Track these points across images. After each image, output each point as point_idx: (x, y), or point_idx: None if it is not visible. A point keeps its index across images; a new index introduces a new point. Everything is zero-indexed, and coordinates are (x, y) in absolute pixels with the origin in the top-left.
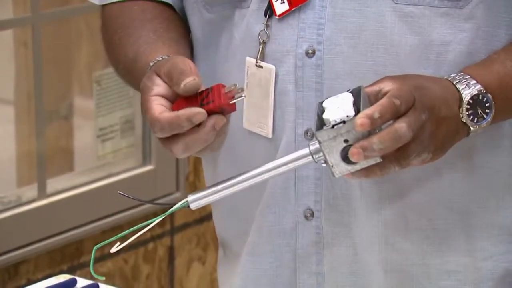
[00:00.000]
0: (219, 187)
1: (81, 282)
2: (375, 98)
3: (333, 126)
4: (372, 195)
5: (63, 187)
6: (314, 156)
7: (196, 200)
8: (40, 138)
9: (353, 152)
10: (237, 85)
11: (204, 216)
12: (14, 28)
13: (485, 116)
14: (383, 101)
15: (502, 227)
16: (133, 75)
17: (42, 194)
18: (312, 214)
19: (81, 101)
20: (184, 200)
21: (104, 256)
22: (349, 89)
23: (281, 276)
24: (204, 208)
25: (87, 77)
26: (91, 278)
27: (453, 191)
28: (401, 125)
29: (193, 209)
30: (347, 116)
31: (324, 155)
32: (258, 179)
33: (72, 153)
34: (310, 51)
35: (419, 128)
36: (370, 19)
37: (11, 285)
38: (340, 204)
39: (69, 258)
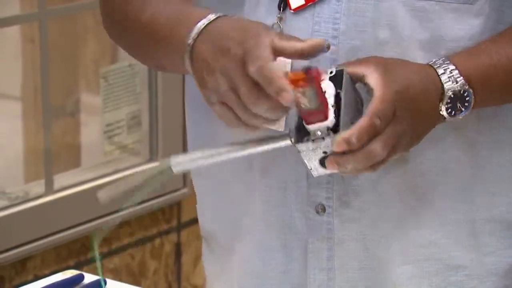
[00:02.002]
0: (203, 154)
1: (88, 277)
2: (357, 79)
3: (313, 140)
4: (383, 190)
5: (70, 183)
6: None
7: (178, 164)
8: (47, 134)
9: (328, 162)
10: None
11: None
12: (21, 24)
13: (462, 110)
14: (364, 122)
15: (505, 222)
16: (175, 27)
17: (49, 190)
18: (324, 210)
19: (88, 97)
20: (166, 161)
21: (111, 252)
22: (332, 72)
23: (291, 271)
24: None
25: (94, 73)
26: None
27: (460, 186)
28: (376, 146)
29: (175, 172)
30: (328, 128)
31: (303, 160)
32: (243, 152)
33: (79, 149)
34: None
35: (396, 140)
36: (383, 13)
37: (18, 281)
38: (352, 200)
39: (76, 253)
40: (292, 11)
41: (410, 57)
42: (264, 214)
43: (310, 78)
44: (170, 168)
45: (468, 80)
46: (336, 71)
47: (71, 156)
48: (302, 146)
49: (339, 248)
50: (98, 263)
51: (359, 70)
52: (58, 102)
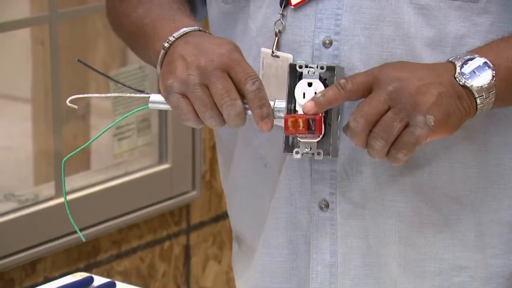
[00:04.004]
0: None
1: (98, 280)
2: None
3: (302, 154)
4: (387, 188)
5: (80, 186)
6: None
7: (154, 103)
8: (57, 137)
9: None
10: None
11: (220, 215)
12: (31, 26)
13: (486, 76)
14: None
15: None
16: (155, 31)
17: (59, 192)
18: (327, 206)
19: (98, 99)
20: (147, 95)
21: (120, 255)
22: (323, 67)
23: (297, 268)
24: (220, 207)
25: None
26: (108, 276)
27: (466, 187)
28: (388, 115)
29: (150, 107)
30: (317, 142)
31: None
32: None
33: (89, 152)
34: (327, 42)
35: (389, 99)
36: (387, 10)
37: (28, 283)
38: (355, 196)
39: (86, 256)
40: (292, 7)
41: (416, 54)
42: (273, 211)
43: (311, 129)
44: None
45: (488, 59)
46: (327, 66)
47: (81, 158)
48: (289, 155)
49: (342, 244)
50: (63, 187)
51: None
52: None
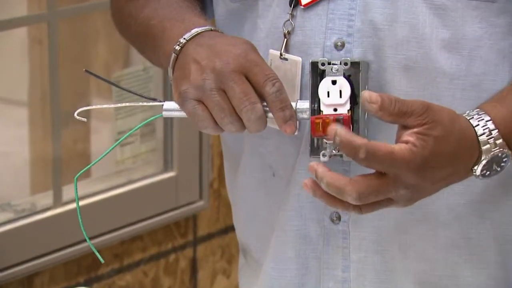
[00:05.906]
0: None
1: None
2: (400, 116)
3: (330, 156)
4: None
5: (80, 195)
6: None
7: (169, 110)
8: (55, 142)
9: (310, 166)
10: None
11: (229, 226)
12: (29, 25)
13: (498, 170)
14: (354, 142)
15: None
16: (164, 31)
17: (58, 202)
18: (339, 218)
19: (99, 102)
20: (161, 103)
21: (122, 269)
22: (347, 63)
23: (307, 284)
24: (229, 218)
25: (106, 77)
26: None
27: (487, 200)
28: (350, 191)
29: (164, 115)
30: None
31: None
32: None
33: (89, 158)
34: (339, 44)
35: (376, 197)
36: (402, 10)
37: None
38: None
39: (86, 269)
40: (302, 7)
41: (432, 57)
42: (281, 223)
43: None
44: (161, 109)
45: (507, 141)
46: (351, 62)
47: (81, 165)
48: (316, 158)
49: (355, 259)
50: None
51: (406, 111)
52: (68, 108)
